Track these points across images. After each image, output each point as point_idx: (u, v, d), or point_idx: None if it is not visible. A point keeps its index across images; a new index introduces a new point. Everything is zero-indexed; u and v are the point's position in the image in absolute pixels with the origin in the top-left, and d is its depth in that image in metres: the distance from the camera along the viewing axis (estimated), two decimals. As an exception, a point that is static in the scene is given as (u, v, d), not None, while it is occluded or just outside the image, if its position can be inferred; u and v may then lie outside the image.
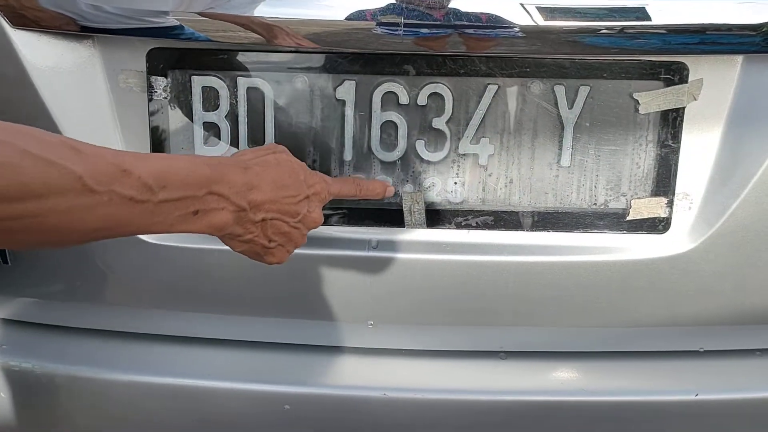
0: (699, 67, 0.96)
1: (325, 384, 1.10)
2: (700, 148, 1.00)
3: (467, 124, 0.99)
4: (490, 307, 1.07)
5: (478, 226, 1.04)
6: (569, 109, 0.98)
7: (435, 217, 1.04)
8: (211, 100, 0.98)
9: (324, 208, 1.03)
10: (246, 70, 0.97)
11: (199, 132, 1.00)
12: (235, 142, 1.00)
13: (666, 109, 0.97)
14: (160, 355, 1.12)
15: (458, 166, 1.02)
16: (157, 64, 0.96)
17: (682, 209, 1.02)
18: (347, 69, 0.97)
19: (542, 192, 1.02)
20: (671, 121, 0.98)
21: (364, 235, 1.05)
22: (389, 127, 0.99)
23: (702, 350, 1.13)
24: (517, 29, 0.90)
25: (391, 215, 1.04)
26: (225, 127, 0.99)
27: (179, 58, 0.96)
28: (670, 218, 1.03)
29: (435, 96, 0.98)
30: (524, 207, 1.03)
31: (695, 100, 0.97)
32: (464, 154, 1.01)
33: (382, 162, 1.01)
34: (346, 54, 0.96)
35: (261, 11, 0.90)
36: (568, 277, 1.04)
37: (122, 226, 0.63)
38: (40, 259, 1.08)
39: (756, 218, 0.99)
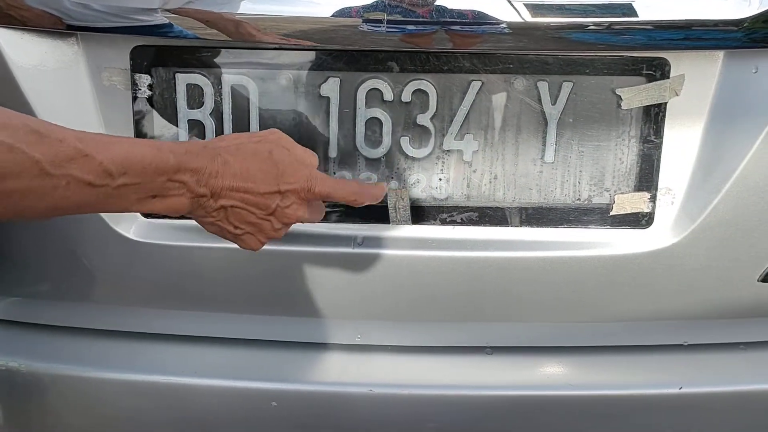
0: (681, 62, 0.97)
1: (312, 380, 1.10)
2: (682, 144, 1.00)
3: (451, 121, 1.00)
4: (475, 303, 1.08)
5: (462, 222, 1.04)
6: (552, 105, 0.99)
7: (420, 213, 1.04)
8: (195, 97, 0.98)
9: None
10: (230, 67, 0.97)
11: (183, 129, 1.00)
12: (219, 139, 1.00)
13: (648, 104, 0.98)
14: (146, 353, 1.12)
15: (443, 162, 1.02)
16: (141, 61, 0.96)
17: (665, 204, 1.03)
18: (331, 66, 0.97)
19: (526, 188, 1.03)
20: (653, 117, 0.99)
21: (350, 232, 1.05)
22: (374, 123, 1.00)
23: (686, 344, 1.14)
24: (499, 25, 0.90)
25: (376, 212, 1.04)
26: (210, 124, 0.99)
27: (163, 55, 0.96)
28: (653, 213, 1.03)
29: (419, 93, 0.98)
30: (508, 203, 1.04)
31: (677, 95, 0.98)
32: (448, 151, 1.01)
33: (366, 159, 1.02)
34: (330, 51, 0.96)
35: (245, 8, 0.90)
36: (552, 272, 1.04)
37: (79, 206, 0.66)
38: (24, 258, 1.08)
39: (737, 213, 1.00)
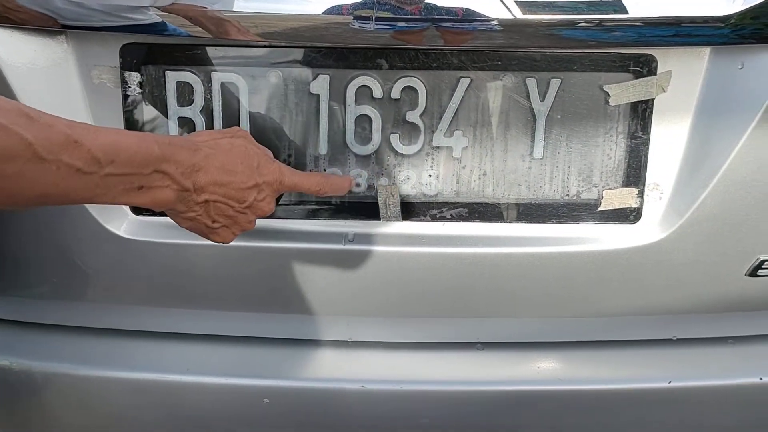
0: (667, 59, 0.97)
1: (304, 377, 1.10)
2: (669, 139, 1.01)
3: (441, 117, 1.00)
4: (466, 299, 1.08)
5: (452, 218, 1.05)
6: (541, 101, 0.99)
7: (410, 209, 1.05)
8: (185, 95, 0.99)
9: (298, 202, 1.04)
10: (220, 64, 0.98)
11: (174, 127, 1.00)
12: (210, 136, 1.00)
13: (635, 100, 0.99)
14: (138, 351, 1.12)
15: (432, 158, 1.03)
16: (131, 59, 0.97)
17: (653, 199, 1.04)
18: (321, 63, 0.97)
19: (515, 184, 1.04)
20: (641, 113, 1.00)
21: (340, 229, 1.06)
22: (363, 120, 1.00)
23: (675, 338, 1.15)
24: (488, 22, 0.91)
25: (366, 208, 1.04)
26: (200, 121, 1.00)
27: (153, 53, 0.97)
28: (641, 208, 1.04)
29: (408, 90, 0.99)
30: (498, 199, 1.04)
31: (664, 91, 0.98)
32: (438, 147, 1.02)
33: (356, 155, 1.02)
34: (320, 48, 0.96)
35: (235, 6, 0.90)
36: (541, 267, 1.05)
37: (67, 194, 0.66)
38: (15, 257, 1.08)
39: (724, 208, 1.00)
